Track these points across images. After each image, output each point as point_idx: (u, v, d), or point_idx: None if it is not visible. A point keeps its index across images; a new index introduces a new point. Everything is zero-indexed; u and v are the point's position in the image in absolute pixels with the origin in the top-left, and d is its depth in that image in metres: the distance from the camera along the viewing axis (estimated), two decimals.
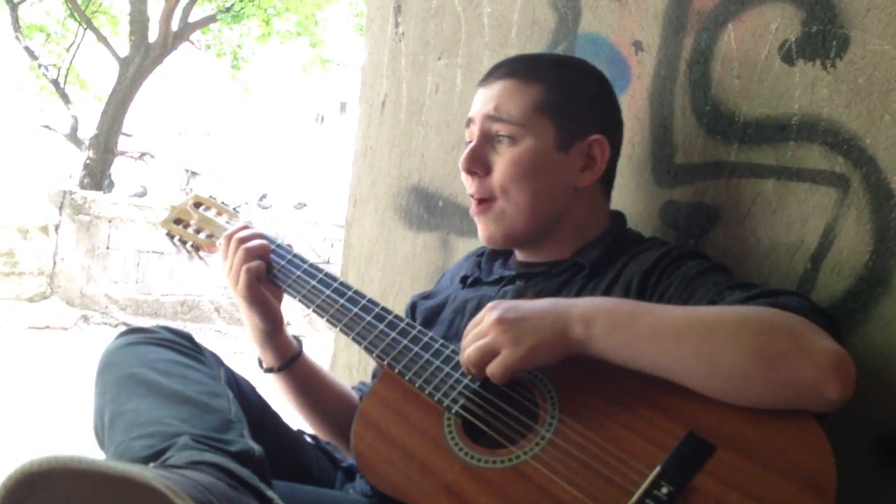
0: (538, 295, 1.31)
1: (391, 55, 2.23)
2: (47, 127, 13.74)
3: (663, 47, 1.57)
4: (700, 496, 0.95)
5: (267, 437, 1.22)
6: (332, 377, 1.61)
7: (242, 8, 13.67)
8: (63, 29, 14.19)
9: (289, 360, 1.52)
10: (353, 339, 1.33)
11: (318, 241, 10.06)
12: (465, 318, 1.37)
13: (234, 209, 1.67)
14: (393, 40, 2.23)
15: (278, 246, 1.50)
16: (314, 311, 1.40)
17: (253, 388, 1.41)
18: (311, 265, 1.46)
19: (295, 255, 1.48)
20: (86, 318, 7.97)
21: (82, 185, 11.55)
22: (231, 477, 0.99)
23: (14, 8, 13.04)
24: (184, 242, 1.65)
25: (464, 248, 1.94)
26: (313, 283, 1.43)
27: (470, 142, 1.40)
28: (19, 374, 5.49)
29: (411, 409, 1.20)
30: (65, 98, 13.38)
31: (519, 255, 1.47)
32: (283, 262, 1.48)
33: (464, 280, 1.50)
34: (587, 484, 1.01)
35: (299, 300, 1.43)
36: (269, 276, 1.47)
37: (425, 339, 1.26)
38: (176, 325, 1.34)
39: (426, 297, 1.57)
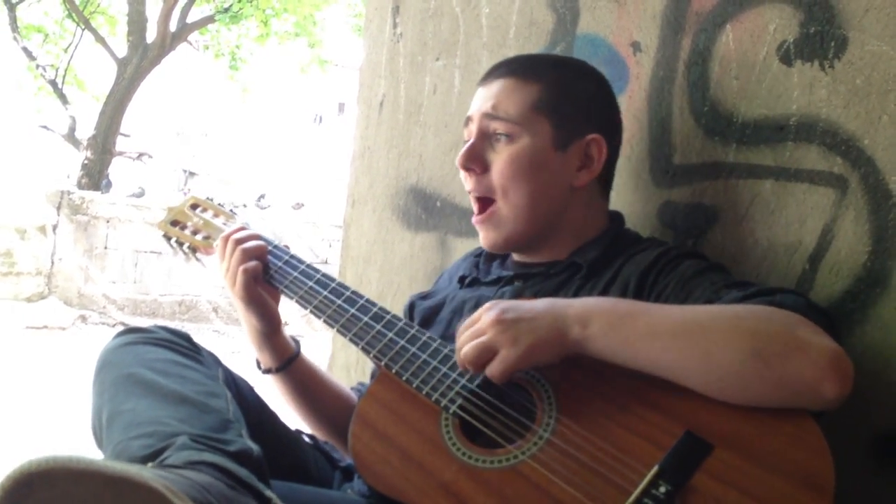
0: (536, 295, 1.31)
1: (389, 56, 2.23)
2: (45, 127, 13.74)
3: (661, 48, 1.57)
4: (698, 495, 0.95)
5: (265, 436, 1.22)
6: (330, 378, 1.60)
7: (241, 8, 13.68)
8: (61, 29, 14.20)
9: (287, 360, 1.52)
10: (351, 340, 1.33)
11: (317, 242, 10.05)
12: (463, 318, 1.37)
13: (231, 211, 1.67)
14: (391, 41, 2.23)
15: (275, 247, 1.50)
16: (311, 311, 1.40)
17: (251, 388, 1.41)
18: (308, 266, 1.46)
19: (292, 256, 1.48)
20: (84, 318, 7.97)
21: (80, 186, 11.55)
22: (229, 477, 0.99)
23: (12, 8, 13.04)
24: (181, 244, 1.65)
25: (462, 248, 1.94)
26: (310, 283, 1.43)
27: (468, 140, 1.40)
28: (17, 373, 5.49)
29: (409, 409, 1.20)
30: (63, 98, 13.38)
31: (516, 256, 1.47)
32: (280, 263, 1.48)
33: (462, 280, 1.50)
34: (585, 483, 1.01)
35: (296, 301, 1.43)
36: (266, 277, 1.47)
37: (423, 339, 1.26)
38: (174, 324, 1.34)
39: (424, 297, 1.57)
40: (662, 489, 0.96)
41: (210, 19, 13.82)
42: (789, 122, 1.37)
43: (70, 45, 13.86)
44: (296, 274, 1.45)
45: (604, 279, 1.31)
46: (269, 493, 1.01)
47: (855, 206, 1.28)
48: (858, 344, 1.23)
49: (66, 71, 13.78)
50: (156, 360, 1.23)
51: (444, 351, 1.23)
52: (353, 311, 1.35)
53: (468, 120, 1.42)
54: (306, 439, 1.51)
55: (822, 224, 1.32)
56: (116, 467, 0.87)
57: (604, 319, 1.08)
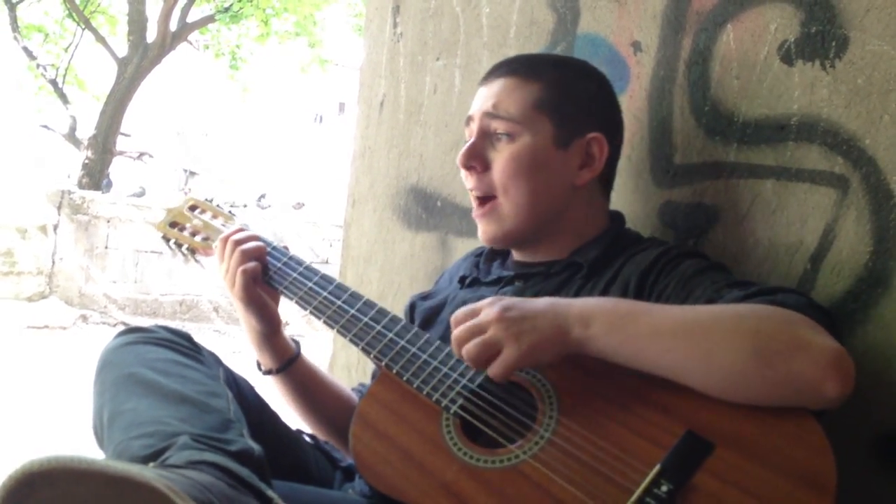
0: (537, 295, 1.31)
1: (390, 55, 2.23)
2: (46, 127, 13.75)
3: (662, 48, 1.57)
4: (700, 494, 0.95)
5: (266, 436, 1.22)
6: (330, 378, 1.60)
7: (241, 8, 13.68)
8: (61, 29, 14.21)
9: (287, 361, 1.52)
10: (351, 340, 1.33)
11: (317, 241, 10.05)
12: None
13: (230, 212, 1.67)
14: (391, 40, 2.23)
15: (274, 248, 1.50)
16: (311, 312, 1.40)
17: (252, 388, 1.41)
18: (307, 267, 1.46)
19: (291, 257, 1.48)
20: (84, 318, 7.97)
21: (81, 185, 11.56)
22: (231, 476, 0.99)
23: (12, 8, 13.05)
24: (179, 246, 1.65)
25: (462, 248, 1.94)
26: (310, 284, 1.43)
27: (469, 140, 1.40)
28: (18, 373, 5.49)
29: (409, 409, 1.20)
30: (63, 98, 13.40)
31: (516, 255, 1.47)
32: (279, 264, 1.47)
33: (462, 280, 1.50)
34: (586, 483, 1.01)
35: (296, 302, 1.43)
36: (265, 277, 1.47)
37: (423, 339, 1.26)
38: (174, 324, 1.34)
39: (425, 297, 1.57)
40: (664, 488, 0.96)
41: (210, 19, 13.83)
42: (790, 122, 1.37)
43: (70, 44, 13.88)
44: (295, 275, 1.45)
45: (604, 279, 1.31)
46: (270, 492, 1.01)
47: (856, 206, 1.27)
48: (860, 344, 1.23)
49: (66, 70, 13.80)
50: (157, 359, 1.23)
51: (445, 351, 1.23)
52: (353, 311, 1.35)
53: (469, 119, 1.42)
54: (307, 439, 1.51)
55: (823, 224, 1.31)
56: (118, 467, 0.87)
57: (605, 319, 1.08)
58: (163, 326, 1.33)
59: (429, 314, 1.49)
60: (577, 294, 1.30)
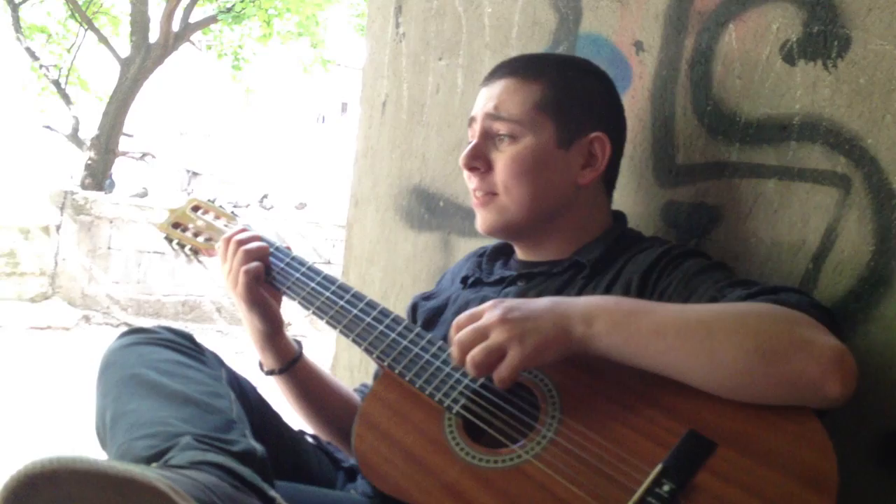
0: (539, 296, 1.30)
1: (392, 55, 2.23)
2: (48, 127, 13.76)
3: (664, 47, 1.57)
4: (702, 494, 0.95)
5: (268, 437, 1.22)
6: (332, 379, 1.61)
7: (243, 8, 13.68)
8: (64, 29, 14.23)
9: (289, 362, 1.52)
10: (354, 341, 1.33)
11: (320, 242, 10.05)
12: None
13: (233, 212, 1.67)
14: (394, 41, 2.23)
15: (277, 248, 1.50)
16: (314, 312, 1.40)
17: (254, 389, 1.41)
18: (310, 267, 1.46)
19: (294, 258, 1.48)
20: (87, 319, 7.97)
21: (83, 186, 11.56)
22: (233, 477, 0.99)
23: (15, 9, 13.06)
24: (182, 246, 1.65)
25: (465, 248, 1.94)
26: (312, 284, 1.43)
27: (472, 140, 1.40)
28: (21, 374, 5.50)
29: (412, 409, 1.20)
30: (66, 99, 13.40)
31: (519, 254, 1.47)
32: (282, 265, 1.48)
33: (464, 281, 1.51)
34: (589, 482, 1.01)
35: (299, 302, 1.43)
36: (268, 278, 1.47)
37: (425, 339, 1.26)
38: (177, 325, 1.34)
39: (427, 297, 1.57)
40: (666, 488, 0.96)
41: (213, 19, 13.83)
42: (792, 122, 1.37)
43: (73, 45, 13.88)
44: (298, 275, 1.45)
45: (606, 278, 1.31)
46: (272, 492, 1.02)
47: (858, 205, 1.27)
48: (862, 343, 1.23)
49: (69, 71, 13.80)
50: (159, 360, 1.23)
51: (448, 351, 1.22)
52: (355, 311, 1.35)
53: (472, 120, 1.42)
54: (309, 439, 1.51)
55: (825, 223, 1.31)
56: (120, 467, 0.87)
57: (608, 317, 1.08)
58: (165, 327, 1.33)
59: (431, 314, 1.50)
60: (579, 294, 1.30)
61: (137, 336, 1.30)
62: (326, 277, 1.44)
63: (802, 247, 1.34)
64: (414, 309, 1.57)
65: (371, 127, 2.30)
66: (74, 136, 13.09)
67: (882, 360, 1.21)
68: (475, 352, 1.09)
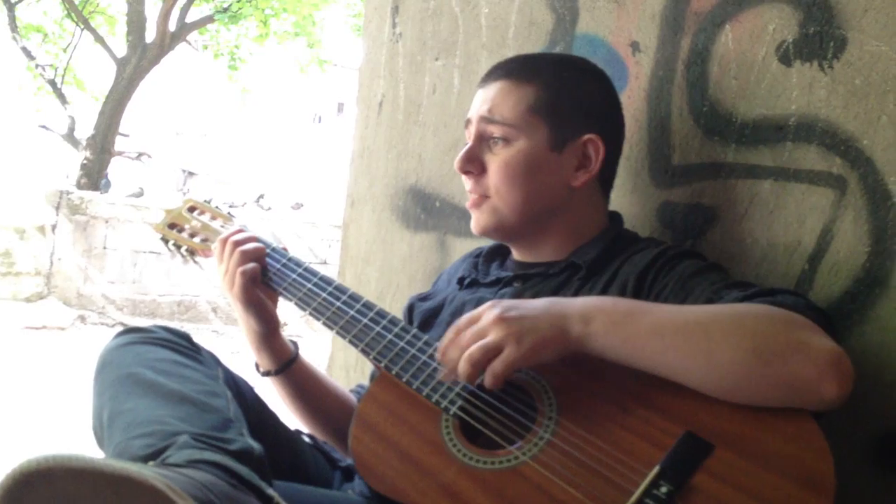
0: (535, 296, 1.31)
1: (389, 56, 2.23)
2: (44, 127, 13.74)
3: (661, 48, 1.58)
4: (699, 495, 0.95)
5: (265, 436, 1.22)
6: (329, 379, 1.60)
7: (240, 8, 13.67)
8: (60, 29, 14.21)
9: (285, 363, 1.52)
10: (350, 342, 1.33)
11: (316, 242, 10.05)
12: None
13: (229, 213, 1.67)
14: (390, 41, 2.23)
15: (273, 249, 1.50)
16: (310, 313, 1.40)
17: (251, 388, 1.41)
18: (306, 268, 1.46)
19: (290, 259, 1.48)
20: (83, 319, 7.97)
21: (79, 186, 11.55)
22: (231, 475, 0.99)
23: (11, 8, 13.04)
24: (178, 247, 1.65)
25: (461, 248, 1.94)
26: (309, 285, 1.43)
27: (468, 142, 1.41)
28: (16, 374, 5.49)
29: (409, 410, 1.20)
30: (62, 98, 13.38)
31: (515, 255, 1.47)
32: (278, 266, 1.47)
33: (461, 281, 1.50)
34: (586, 484, 1.01)
35: (295, 303, 1.43)
36: (264, 279, 1.47)
37: (422, 340, 1.26)
38: (173, 325, 1.34)
39: (423, 298, 1.57)
40: (663, 489, 0.96)
41: (209, 19, 13.83)
42: (788, 123, 1.37)
43: (69, 44, 13.86)
44: (294, 276, 1.45)
45: (603, 279, 1.31)
46: (270, 491, 1.01)
47: (854, 206, 1.28)
48: (857, 344, 1.23)
49: (65, 71, 13.78)
50: (156, 359, 1.23)
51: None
52: (352, 312, 1.35)
53: (467, 122, 1.42)
54: (306, 439, 1.51)
55: (821, 224, 1.32)
56: (117, 466, 0.87)
57: (605, 317, 1.08)
58: (162, 326, 1.32)
59: (427, 315, 1.49)
60: (576, 295, 1.30)
61: (134, 335, 1.29)
62: (323, 278, 1.43)
63: (798, 247, 1.34)
64: (410, 310, 1.57)
65: (367, 127, 2.30)
66: (70, 136, 13.07)
67: (878, 361, 1.21)
68: (473, 349, 1.09)
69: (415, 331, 1.28)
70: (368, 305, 1.36)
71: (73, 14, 13.20)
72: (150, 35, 12.70)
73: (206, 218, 1.66)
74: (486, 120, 1.38)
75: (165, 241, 1.67)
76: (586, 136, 1.36)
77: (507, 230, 1.40)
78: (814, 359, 0.98)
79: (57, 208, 8.13)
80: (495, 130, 1.37)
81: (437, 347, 1.18)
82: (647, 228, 1.55)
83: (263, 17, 14.00)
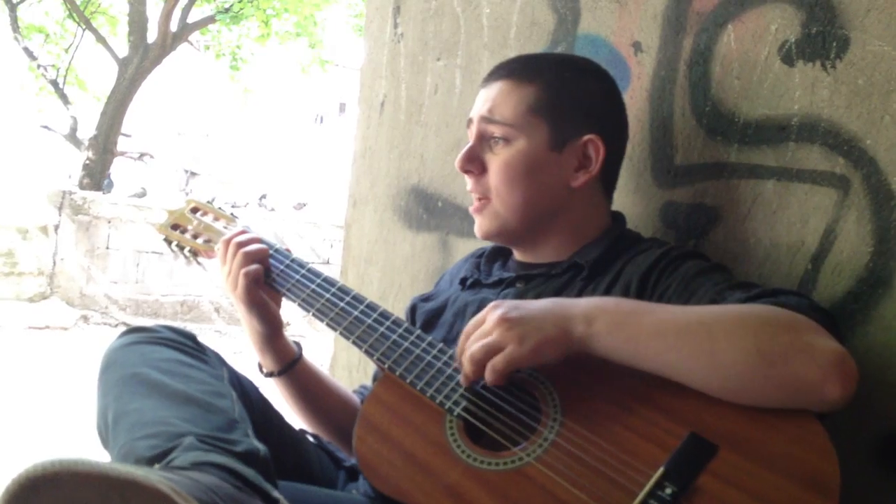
0: (538, 297, 1.30)
1: (390, 56, 2.23)
2: (46, 127, 13.76)
3: (663, 48, 1.57)
4: (703, 496, 0.95)
5: (269, 436, 1.22)
6: (332, 380, 1.60)
7: (241, 9, 13.68)
8: (62, 29, 14.22)
9: (288, 364, 1.52)
10: (354, 343, 1.33)
11: (318, 242, 10.06)
12: (466, 320, 1.37)
13: (232, 213, 1.67)
14: (392, 41, 2.23)
15: (276, 250, 1.50)
16: (314, 314, 1.40)
17: (256, 388, 1.41)
18: (309, 269, 1.46)
19: (293, 260, 1.48)
20: (85, 319, 7.97)
21: (82, 186, 11.56)
22: (236, 478, 0.99)
23: (13, 8, 13.05)
24: (181, 248, 1.65)
25: (463, 248, 1.94)
26: (312, 286, 1.43)
27: (469, 142, 1.41)
28: (19, 374, 5.49)
29: (413, 411, 1.20)
30: (64, 98, 13.40)
31: (517, 256, 1.47)
32: (281, 267, 1.48)
33: (463, 282, 1.50)
34: (590, 485, 1.01)
35: (299, 304, 1.43)
36: (267, 280, 1.47)
37: (425, 341, 1.26)
38: (176, 325, 1.33)
39: (426, 299, 1.57)
40: (668, 490, 0.96)
41: (211, 19, 13.83)
42: (791, 123, 1.37)
43: (71, 45, 13.88)
44: (298, 277, 1.45)
45: (606, 280, 1.31)
46: (275, 493, 1.02)
47: (857, 206, 1.28)
48: (861, 345, 1.23)
49: (67, 71, 13.80)
50: (161, 359, 1.23)
51: (448, 353, 1.23)
52: (355, 313, 1.35)
53: (469, 122, 1.42)
54: (310, 439, 1.51)
55: (824, 224, 1.32)
56: (122, 470, 0.87)
57: (609, 317, 1.08)
58: (167, 326, 1.32)
59: (430, 316, 1.49)
60: (578, 295, 1.30)
61: (139, 335, 1.29)
62: (326, 279, 1.44)
63: (801, 248, 1.34)
64: (413, 310, 1.57)
65: (369, 127, 2.30)
66: (72, 136, 13.09)
67: (881, 361, 1.21)
68: (474, 347, 1.10)
69: (418, 332, 1.29)
70: (372, 306, 1.36)
71: (74, 14, 13.21)
72: (152, 35, 12.71)
73: (208, 219, 1.66)
74: (486, 120, 1.38)
75: (168, 242, 1.67)
76: (586, 137, 1.36)
77: (510, 234, 1.40)
78: (817, 360, 0.98)
79: (59, 208, 8.14)
80: (496, 130, 1.37)
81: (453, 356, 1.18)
82: (649, 228, 1.55)
83: (265, 18, 14.00)
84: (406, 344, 1.27)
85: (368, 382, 1.70)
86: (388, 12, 2.25)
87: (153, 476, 0.87)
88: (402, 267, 2.15)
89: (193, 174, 24.92)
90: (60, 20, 14.17)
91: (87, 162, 12.42)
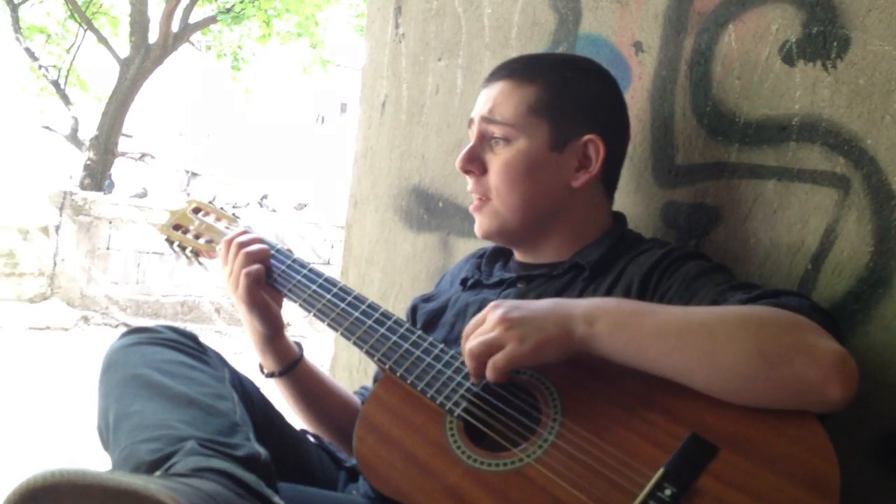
0: (539, 298, 1.30)
1: (391, 56, 2.23)
2: (48, 128, 13.76)
3: (664, 48, 1.57)
4: (703, 497, 0.95)
5: (270, 437, 1.23)
6: (333, 381, 1.60)
7: (243, 9, 13.67)
8: (63, 30, 14.22)
9: (289, 364, 1.52)
10: (355, 343, 1.33)
11: (319, 242, 10.06)
12: (467, 321, 1.37)
13: (234, 214, 1.67)
14: (393, 41, 2.23)
15: (278, 251, 1.50)
16: (315, 315, 1.40)
17: (257, 389, 1.41)
18: (311, 270, 1.46)
19: (295, 260, 1.48)
20: (86, 319, 7.97)
21: (83, 186, 11.56)
22: (237, 484, 0.99)
23: (15, 9, 13.05)
24: (183, 248, 1.65)
25: (464, 248, 1.94)
26: (314, 287, 1.43)
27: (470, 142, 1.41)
28: (20, 374, 5.49)
29: (413, 412, 1.20)
30: (65, 99, 13.40)
31: (518, 256, 1.47)
32: (283, 267, 1.48)
33: (464, 282, 1.50)
34: (590, 486, 1.01)
35: (300, 305, 1.43)
36: (269, 280, 1.47)
37: (426, 342, 1.26)
38: (176, 325, 1.33)
39: (427, 299, 1.57)
40: (668, 492, 0.96)
41: (212, 20, 13.82)
42: (792, 123, 1.37)
43: (72, 45, 13.88)
44: (299, 277, 1.45)
45: (607, 281, 1.31)
46: (276, 498, 1.01)
47: (858, 206, 1.27)
48: (861, 344, 1.23)
49: (68, 71, 13.80)
50: (162, 360, 1.23)
51: (449, 354, 1.23)
52: (356, 314, 1.35)
53: (470, 122, 1.43)
54: (311, 439, 1.51)
55: (824, 224, 1.32)
56: (122, 480, 0.86)
57: (610, 318, 1.08)
58: (168, 326, 1.32)
59: (431, 317, 1.49)
60: (580, 296, 1.30)
61: (140, 335, 1.29)
62: (328, 280, 1.44)
63: (801, 247, 1.34)
64: (413, 311, 1.57)
65: (370, 127, 2.30)
66: (74, 137, 13.09)
67: (881, 361, 1.21)
68: (473, 343, 1.09)
69: (419, 332, 1.29)
70: (373, 307, 1.36)
71: (76, 15, 13.22)
72: (153, 36, 12.71)
73: (210, 219, 1.66)
74: (487, 120, 1.38)
75: (170, 242, 1.67)
76: (587, 137, 1.36)
77: (510, 233, 1.40)
78: (819, 361, 0.97)
79: (60, 209, 8.14)
80: (496, 130, 1.37)
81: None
82: (650, 228, 1.55)
83: (266, 18, 13.99)
84: (407, 345, 1.27)
85: (369, 383, 1.70)
86: (390, 12, 2.25)
87: (153, 486, 0.86)
88: (403, 267, 2.15)
89: (194, 174, 24.92)
90: (62, 21, 14.17)
91: (88, 162, 12.42)
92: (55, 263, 8.07)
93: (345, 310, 1.37)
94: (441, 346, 1.25)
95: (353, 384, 2.11)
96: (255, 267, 1.45)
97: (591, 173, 1.37)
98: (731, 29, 1.46)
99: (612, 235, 1.39)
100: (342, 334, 1.36)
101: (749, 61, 1.43)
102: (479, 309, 1.21)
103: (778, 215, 1.38)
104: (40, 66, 13.50)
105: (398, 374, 1.24)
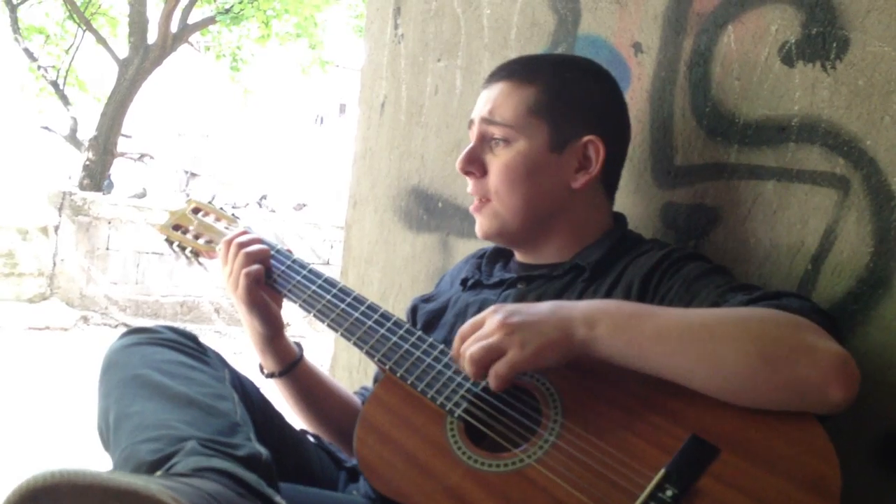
0: (539, 298, 1.31)
1: (391, 57, 2.23)
2: (47, 128, 13.76)
3: (663, 49, 1.57)
4: (704, 499, 0.95)
5: (271, 437, 1.22)
6: (333, 381, 1.60)
7: (242, 10, 13.67)
8: (62, 30, 14.22)
9: (289, 365, 1.52)
10: (355, 344, 1.33)
11: (318, 243, 10.05)
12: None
13: (233, 214, 1.67)
14: (392, 42, 2.23)
15: (278, 251, 1.50)
16: (315, 315, 1.40)
17: (257, 389, 1.41)
18: (311, 270, 1.46)
19: (295, 261, 1.48)
20: (85, 319, 7.97)
21: (82, 187, 11.56)
22: (238, 483, 0.98)
23: (13, 9, 13.06)
24: (183, 248, 1.65)
25: (464, 249, 1.94)
26: (314, 287, 1.43)
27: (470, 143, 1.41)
28: (19, 375, 5.49)
29: (413, 412, 1.20)
30: (64, 99, 13.40)
31: (519, 257, 1.47)
32: (283, 268, 1.48)
33: (464, 283, 1.50)
34: (591, 487, 1.01)
35: (300, 305, 1.43)
36: (268, 280, 1.47)
37: (426, 342, 1.26)
38: (176, 325, 1.33)
39: (426, 299, 1.57)
40: (669, 493, 0.96)
41: (211, 20, 13.83)
42: (791, 123, 1.37)
43: (71, 46, 13.89)
44: (299, 278, 1.45)
45: (607, 282, 1.31)
46: (277, 498, 1.01)
47: (857, 206, 1.28)
48: (861, 345, 1.23)
49: (67, 72, 13.80)
50: (162, 361, 1.22)
51: (449, 354, 1.23)
52: (356, 315, 1.35)
53: (470, 123, 1.43)
54: (311, 439, 1.51)
55: (824, 225, 1.32)
56: (122, 480, 0.86)
57: (610, 321, 1.08)
58: (168, 327, 1.32)
59: (431, 317, 1.49)
60: (580, 297, 1.30)
61: (140, 336, 1.29)
62: (327, 280, 1.44)
63: (801, 248, 1.34)
64: (413, 311, 1.57)
65: (370, 128, 2.30)
66: (73, 137, 13.09)
67: (881, 362, 1.21)
68: (474, 349, 1.09)
69: (419, 333, 1.28)
70: (373, 307, 1.36)
71: (75, 15, 13.22)
72: (152, 36, 12.71)
73: (210, 219, 1.66)
74: (487, 121, 1.38)
75: (170, 242, 1.67)
76: (586, 138, 1.36)
77: (510, 234, 1.40)
78: (819, 362, 0.97)
79: (60, 209, 8.14)
80: (496, 131, 1.37)
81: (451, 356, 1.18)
82: (649, 229, 1.55)
83: (265, 19, 14.00)
84: (407, 346, 1.27)
85: (369, 383, 1.70)
86: (389, 13, 2.25)
87: (153, 486, 0.86)
88: (403, 268, 2.15)
89: (193, 175, 24.91)
90: (61, 21, 14.18)
91: (88, 163, 12.42)
92: (54, 264, 8.07)
93: (345, 310, 1.37)
94: (441, 346, 1.25)
95: (353, 384, 2.11)
96: (255, 267, 1.45)
97: (591, 174, 1.37)
98: (731, 30, 1.46)
99: (612, 236, 1.39)
100: (342, 335, 1.36)
101: (748, 62, 1.43)
102: (480, 309, 1.21)
103: (777, 216, 1.38)
104: (39, 67, 13.51)
105: (398, 374, 1.24)
